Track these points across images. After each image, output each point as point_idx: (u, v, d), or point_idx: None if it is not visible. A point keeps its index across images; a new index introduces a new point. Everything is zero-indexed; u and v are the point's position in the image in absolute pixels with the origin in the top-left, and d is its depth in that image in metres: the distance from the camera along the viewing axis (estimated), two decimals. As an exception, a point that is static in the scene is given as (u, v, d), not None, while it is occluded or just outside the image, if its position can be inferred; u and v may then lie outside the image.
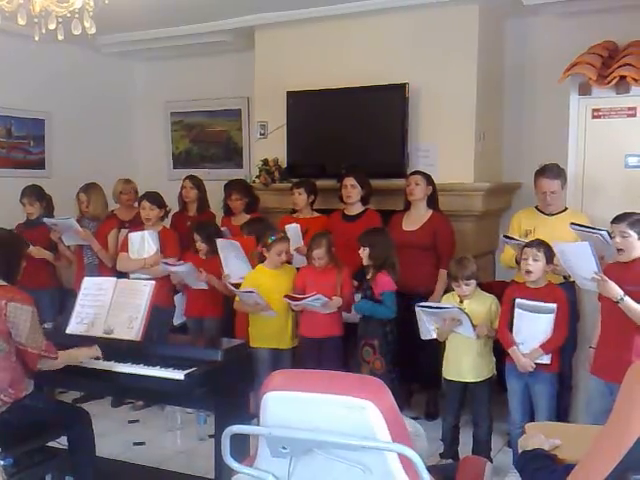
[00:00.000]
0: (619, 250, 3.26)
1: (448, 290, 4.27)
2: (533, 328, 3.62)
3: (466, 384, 3.86)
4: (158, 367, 3.20)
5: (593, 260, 3.37)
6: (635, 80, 4.03)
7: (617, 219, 3.27)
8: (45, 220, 5.07)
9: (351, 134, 5.36)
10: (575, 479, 1.81)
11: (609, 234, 3.43)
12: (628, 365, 1.81)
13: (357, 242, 4.17)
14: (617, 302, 3.20)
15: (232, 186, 5.32)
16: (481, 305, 3.83)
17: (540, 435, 2.22)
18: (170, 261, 4.62)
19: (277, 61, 5.73)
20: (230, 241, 4.66)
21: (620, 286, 3.20)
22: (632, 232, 3.19)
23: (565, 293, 3.71)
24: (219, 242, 4.61)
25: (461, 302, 3.83)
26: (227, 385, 3.24)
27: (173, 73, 6.87)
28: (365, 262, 4.15)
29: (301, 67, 5.58)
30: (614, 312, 3.25)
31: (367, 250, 4.11)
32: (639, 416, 1.63)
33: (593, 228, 3.68)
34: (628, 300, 3.17)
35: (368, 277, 4.17)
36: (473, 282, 3.82)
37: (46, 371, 3.15)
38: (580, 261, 3.47)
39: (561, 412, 3.98)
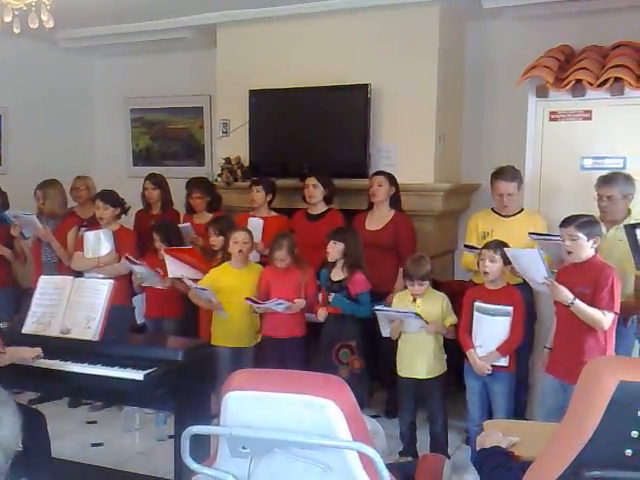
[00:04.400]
0: (569, 253, 3.29)
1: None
2: (491, 331, 3.69)
3: (420, 381, 3.90)
4: (117, 367, 3.15)
5: (542, 266, 3.42)
6: (590, 84, 4.11)
7: (565, 222, 3.29)
8: (7, 213, 4.99)
9: (313, 134, 5.36)
10: (532, 476, 1.84)
11: None
12: (581, 365, 1.83)
13: (327, 238, 4.13)
14: (568, 306, 3.25)
15: (194, 184, 5.29)
16: (433, 304, 3.89)
17: (498, 433, 2.25)
18: (133, 258, 4.55)
19: (239, 59, 5.70)
20: (172, 259, 4.53)
21: (573, 288, 3.25)
22: (580, 234, 3.22)
23: (522, 294, 3.77)
24: (166, 258, 4.52)
25: (414, 300, 3.89)
26: (187, 385, 3.21)
27: (133, 69, 6.78)
28: (334, 257, 4.11)
29: (264, 66, 5.56)
30: (567, 314, 3.29)
31: (341, 245, 4.08)
32: (594, 414, 1.66)
33: (551, 235, 3.72)
34: (578, 303, 3.22)
35: (343, 277, 4.12)
36: (427, 282, 3.87)
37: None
38: (531, 266, 3.52)
39: (518, 409, 4.06)
